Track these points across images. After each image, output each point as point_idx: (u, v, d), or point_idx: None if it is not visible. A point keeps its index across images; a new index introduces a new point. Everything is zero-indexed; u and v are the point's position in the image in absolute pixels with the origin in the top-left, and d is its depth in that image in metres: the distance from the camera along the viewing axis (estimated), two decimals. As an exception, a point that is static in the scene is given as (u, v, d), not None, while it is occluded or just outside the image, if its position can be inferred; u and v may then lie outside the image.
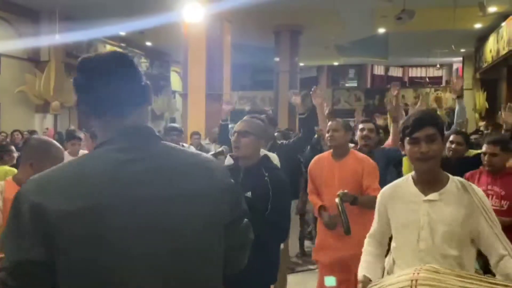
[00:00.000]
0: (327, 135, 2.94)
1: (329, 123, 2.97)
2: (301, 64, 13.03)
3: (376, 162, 2.94)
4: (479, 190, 1.69)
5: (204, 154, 1.13)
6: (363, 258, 1.85)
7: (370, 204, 2.69)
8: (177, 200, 0.98)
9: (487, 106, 11.70)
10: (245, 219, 1.18)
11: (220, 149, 2.54)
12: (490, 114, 10.83)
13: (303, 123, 3.41)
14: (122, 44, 12.34)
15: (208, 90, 7.04)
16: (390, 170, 3.29)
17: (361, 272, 1.77)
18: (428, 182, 1.71)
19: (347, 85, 17.60)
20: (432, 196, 1.68)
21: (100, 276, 0.90)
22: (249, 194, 2.06)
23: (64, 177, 0.94)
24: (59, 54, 10.48)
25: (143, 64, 13.54)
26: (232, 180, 1.12)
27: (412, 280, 1.42)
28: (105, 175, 0.93)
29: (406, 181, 1.79)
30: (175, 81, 15.40)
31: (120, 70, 1.02)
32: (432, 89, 15.96)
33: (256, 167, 2.16)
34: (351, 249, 2.66)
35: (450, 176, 1.74)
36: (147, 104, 1.07)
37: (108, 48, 12.00)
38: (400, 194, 1.77)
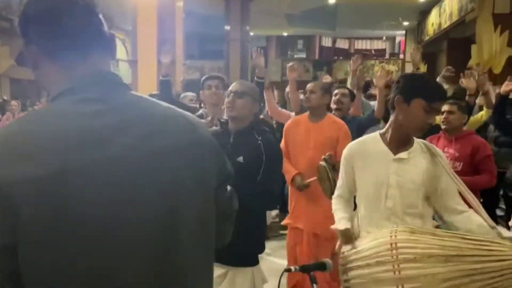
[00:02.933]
0: (305, 95, 2.92)
1: (308, 84, 2.95)
2: (251, 33, 12.80)
3: (349, 128, 2.96)
4: (439, 150, 1.79)
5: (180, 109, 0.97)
6: (338, 215, 1.86)
7: None
8: (159, 158, 0.82)
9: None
10: (229, 186, 1.04)
11: (199, 112, 2.39)
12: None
13: (261, 88, 3.32)
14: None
15: (160, 57, 6.69)
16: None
17: (341, 225, 1.77)
18: (400, 142, 1.74)
19: (296, 56, 17.66)
20: (402, 154, 1.72)
21: (72, 254, 0.72)
22: (241, 159, 1.96)
23: (18, 139, 0.75)
24: (-15, 15, 9.38)
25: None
26: (212, 137, 0.96)
27: (391, 244, 1.46)
28: (69, 132, 0.76)
29: (373, 138, 1.81)
30: (118, 49, 14.45)
31: (77, 9, 0.85)
32: (377, 61, 16.51)
33: (248, 130, 2.06)
34: (321, 216, 2.70)
35: (414, 138, 1.79)
36: (111, 54, 0.90)
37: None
38: (368, 152, 1.79)
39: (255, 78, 3.32)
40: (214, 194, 0.91)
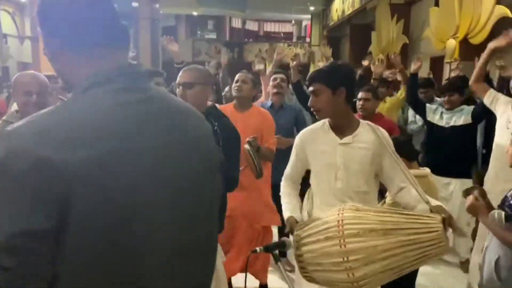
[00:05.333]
0: (235, 84, 2.91)
1: (238, 74, 2.95)
2: (160, 11, 12.29)
3: (287, 116, 3.07)
4: (383, 130, 1.95)
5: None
6: (284, 200, 1.99)
7: (268, 156, 2.87)
8: (183, 147, 0.90)
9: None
10: None
11: None
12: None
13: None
14: None
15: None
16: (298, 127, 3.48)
17: (287, 213, 1.91)
18: (342, 127, 1.90)
19: (206, 36, 17.41)
20: (347, 139, 1.88)
21: (116, 233, 0.78)
22: None
23: (65, 123, 0.77)
24: None
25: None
26: None
27: (338, 221, 1.60)
28: (110, 119, 0.81)
29: (323, 125, 1.96)
30: (7, 23, 12.80)
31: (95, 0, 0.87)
32: (285, 44, 17.06)
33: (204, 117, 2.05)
34: (254, 198, 2.79)
35: (360, 120, 1.96)
36: (127, 44, 0.93)
37: None
38: (319, 138, 1.93)
39: (174, 64, 3.20)
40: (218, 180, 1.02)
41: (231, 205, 2.93)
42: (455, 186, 3.48)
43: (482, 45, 4.73)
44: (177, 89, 2.07)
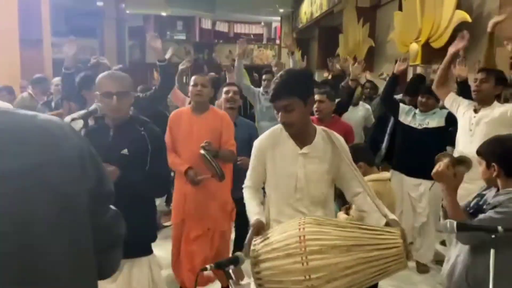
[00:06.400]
0: (195, 88, 2.83)
1: (195, 77, 2.88)
2: (127, 11, 12.03)
3: (240, 134, 3.02)
4: (339, 137, 1.93)
5: (45, 115, 0.84)
6: (248, 206, 1.93)
7: (229, 158, 2.82)
8: (5, 182, 0.70)
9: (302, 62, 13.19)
10: (112, 208, 0.93)
11: (92, 107, 2.15)
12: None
13: (163, 71, 3.20)
14: None
15: (23, 35, 5.82)
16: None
17: (253, 216, 1.84)
18: (302, 136, 1.87)
19: (176, 37, 17.17)
20: (306, 149, 1.84)
21: None
22: (125, 151, 1.95)
23: None
24: None
25: None
26: (90, 149, 0.86)
27: (300, 237, 1.55)
28: None
29: (281, 131, 1.89)
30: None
31: None
32: (256, 46, 17.09)
33: (129, 123, 2.04)
34: (210, 202, 2.74)
35: (316, 127, 1.92)
36: None
37: None
38: (279, 145, 1.88)
39: (157, 62, 3.19)
40: (88, 216, 0.81)
41: (186, 208, 2.87)
42: (425, 187, 3.52)
43: (443, 49, 4.86)
44: (108, 99, 1.98)
